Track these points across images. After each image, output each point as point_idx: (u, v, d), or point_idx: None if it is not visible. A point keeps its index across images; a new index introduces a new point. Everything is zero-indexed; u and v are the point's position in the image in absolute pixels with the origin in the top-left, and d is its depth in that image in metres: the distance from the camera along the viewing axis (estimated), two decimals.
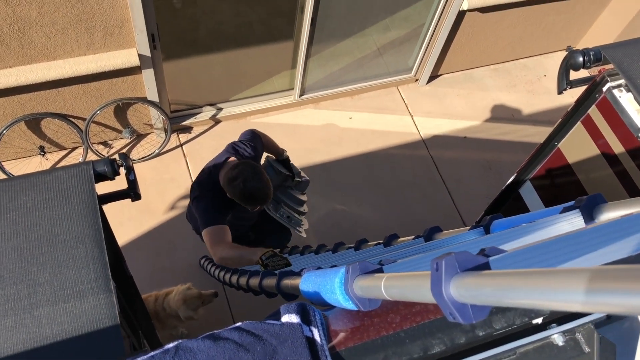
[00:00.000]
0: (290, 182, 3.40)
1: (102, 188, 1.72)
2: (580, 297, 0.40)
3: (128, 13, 3.56)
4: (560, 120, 2.24)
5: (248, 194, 2.60)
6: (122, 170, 1.72)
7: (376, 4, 4.49)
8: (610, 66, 1.89)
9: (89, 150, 4.31)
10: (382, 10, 4.62)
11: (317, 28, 4.34)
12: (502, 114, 5.31)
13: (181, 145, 4.68)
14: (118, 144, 4.56)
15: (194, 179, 2.97)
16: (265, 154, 3.29)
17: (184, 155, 4.65)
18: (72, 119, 4.15)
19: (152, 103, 4.26)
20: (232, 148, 2.95)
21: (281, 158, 3.37)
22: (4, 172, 4.14)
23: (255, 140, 3.09)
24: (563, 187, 2.30)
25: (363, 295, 0.85)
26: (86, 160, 4.33)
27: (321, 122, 5.02)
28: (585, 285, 0.40)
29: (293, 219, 3.38)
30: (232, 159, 2.87)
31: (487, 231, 1.22)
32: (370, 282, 0.79)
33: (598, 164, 2.10)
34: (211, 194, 2.79)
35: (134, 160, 4.50)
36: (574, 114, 2.15)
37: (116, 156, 1.65)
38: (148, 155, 4.53)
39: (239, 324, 0.92)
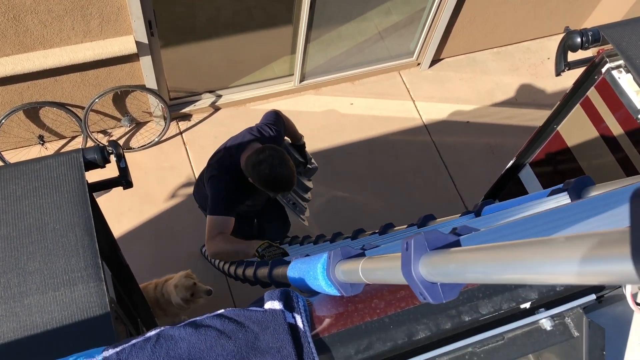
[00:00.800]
0: (301, 168, 3.37)
1: (97, 176, 1.71)
2: (542, 268, 0.39)
3: None
4: (559, 102, 2.21)
5: (273, 180, 2.54)
6: (113, 158, 1.70)
7: None
8: (609, 47, 1.85)
9: (88, 138, 4.30)
10: None
11: (316, 12, 4.30)
12: (505, 97, 5.26)
13: (181, 133, 4.67)
14: (117, 132, 4.55)
15: (208, 164, 2.93)
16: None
17: (184, 143, 4.63)
18: (71, 108, 4.13)
19: (150, 91, 4.24)
20: (258, 131, 2.90)
21: (298, 143, 3.32)
22: (4, 161, 4.14)
23: (279, 123, 3.04)
24: (563, 171, 2.27)
25: (345, 280, 0.83)
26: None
27: (322, 108, 4.99)
28: (544, 255, 0.38)
29: (298, 205, 3.36)
30: (256, 143, 2.82)
31: (478, 216, 1.20)
32: (349, 266, 0.77)
33: (598, 147, 2.07)
34: (229, 177, 2.73)
35: (133, 148, 4.49)
36: (572, 96, 2.12)
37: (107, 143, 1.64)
38: (148, 144, 4.52)
39: (221, 311, 0.91)
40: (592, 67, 1.99)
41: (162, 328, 0.90)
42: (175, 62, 4.39)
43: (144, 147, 4.52)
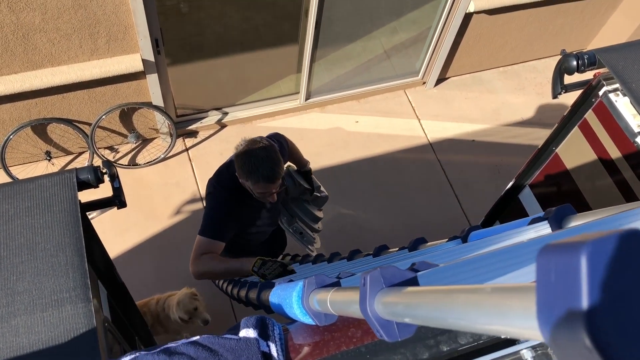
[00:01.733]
0: (308, 195, 3.22)
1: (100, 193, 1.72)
2: (467, 318, 0.38)
3: (131, 19, 3.58)
4: (557, 124, 2.20)
5: (251, 165, 2.34)
6: (107, 178, 1.71)
7: (381, 6, 4.47)
8: (605, 70, 1.85)
9: (94, 155, 4.33)
10: (388, 13, 4.60)
11: (321, 31, 4.33)
12: (511, 116, 5.25)
13: (187, 149, 4.69)
14: (124, 149, 4.58)
15: (208, 179, 2.78)
16: (287, 163, 3.10)
17: (190, 160, 4.66)
18: (78, 124, 4.18)
19: (157, 108, 4.27)
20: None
21: (303, 169, 3.17)
22: (11, 177, 4.18)
23: (281, 140, 2.88)
24: (562, 194, 2.25)
25: (319, 309, 0.83)
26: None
27: (327, 126, 5.00)
28: (469, 304, 0.38)
29: (306, 235, 3.22)
30: None
31: (464, 242, 1.19)
32: (321, 296, 0.77)
33: (596, 170, 2.06)
34: (227, 194, 2.58)
35: (139, 164, 4.52)
36: (570, 118, 2.11)
37: (100, 163, 1.65)
38: (153, 160, 4.54)
39: (196, 337, 0.90)
40: (590, 89, 1.99)
41: (137, 354, 0.90)
42: (182, 79, 4.44)
43: (149, 163, 4.55)
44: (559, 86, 1.95)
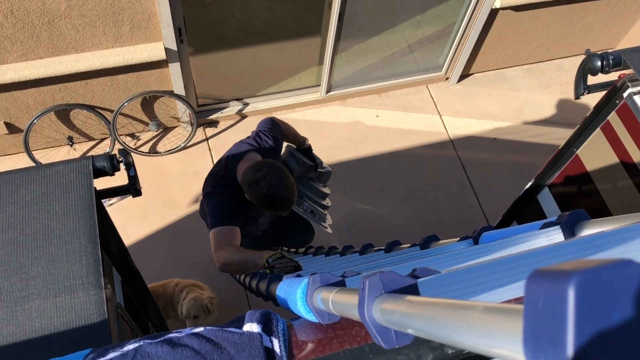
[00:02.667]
0: (312, 173, 3.21)
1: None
2: (457, 335, 0.37)
3: (155, 7, 3.59)
4: (578, 125, 2.16)
5: (270, 201, 2.38)
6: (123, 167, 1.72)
7: (405, 0, 4.43)
8: (630, 71, 1.80)
9: (116, 141, 4.38)
10: (412, 6, 4.55)
11: (344, 24, 4.30)
12: (534, 115, 5.17)
13: (207, 139, 4.72)
14: (145, 137, 4.62)
15: (204, 180, 2.77)
16: (285, 143, 3.09)
17: (209, 150, 4.68)
18: (100, 111, 4.22)
19: (178, 97, 4.30)
20: (254, 139, 2.73)
21: (303, 147, 3.16)
22: (34, 160, 4.25)
23: (276, 130, 2.86)
24: (581, 195, 2.22)
25: (322, 308, 0.82)
26: (112, 152, 4.41)
27: (347, 119, 4.98)
28: (460, 322, 0.37)
29: (317, 213, 3.19)
30: (252, 153, 2.64)
31: (476, 242, 1.18)
32: (324, 295, 0.77)
33: (617, 173, 2.02)
34: (226, 191, 2.58)
35: (160, 152, 4.56)
36: (593, 119, 2.07)
37: (116, 152, 1.66)
38: (174, 149, 4.58)
39: (200, 329, 0.91)
40: (614, 91, 1.94)
41: (142, 343, 0.90)
42: (204, 69, 4.45)
43: (170, 151, 4.58)
44: (581, 87, 1.92)
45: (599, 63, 1.81)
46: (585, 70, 1.87)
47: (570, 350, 0.28)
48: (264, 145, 2.71)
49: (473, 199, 4.74)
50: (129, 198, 4.70)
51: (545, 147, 4.95)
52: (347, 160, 4.77)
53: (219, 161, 2.71)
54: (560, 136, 5.01)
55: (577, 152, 2.19)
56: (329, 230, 3.28)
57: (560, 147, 2.30)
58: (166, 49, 3.87)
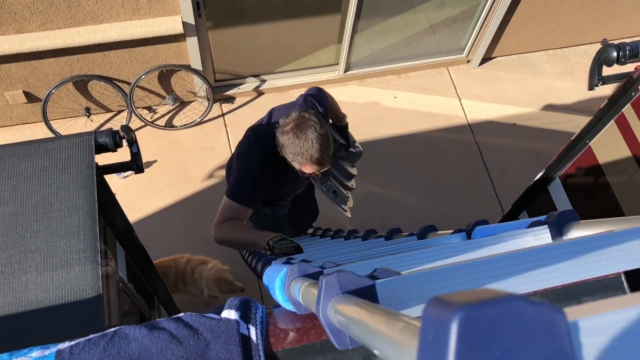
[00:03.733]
0: (343, 152, 3.05)
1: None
2: (379, 344, 0.37)
3: None
4: (592, 117, 2.10)
5: (298, 146, 2.15)
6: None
7: None
8: None
9: (132, 114, 4.40)
10: None
11: (365, 2, 4.23)
12: (556, 102, 5.07)
13: (223, 115, 4.71)
14: (161, 110, 4.64)
15: (243, 136, 2.55)
16: None
17: (225, 125, 4.68)
18: (118, 83, 4.24)
19: (195, 71, 4.29)
20: (304, 101, 2.52)
21: (340, 124, 2.98)
22: (52, 130, 4.29)
23: (324, 99, 2.65)
24: (592, 189, 2.17)
25: (298, 299, 0.82)
26: (129, 124, 4.44)
27: (365, 99, 4.93)
28: (382, 331, 0.36)
29: (340, 194, 3.03)
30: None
31: (469, 236, 1.16)
32: (299, 286, 0.76)
33: (629, 166, 1.97)
34: (261, 156, 2.36)
35: (176, 126, 4.57)
36: (607, 111, 2.01)
37: (119, 128, 1.66)
38: (190, 123, 4.59)
39: (180, 314, 0.91)
40: (630, 83, 1.89)
41: (122, 326, 0.91)
42: (222, 44, 4.43)
43: (186, 126, 4.59)
44: (596, 77, 1.86)
45: (615, 54, 1.76)
46: (600, 60, 1.82)
47: None
48: (312, 108, 2.49)
49: (489, 185, 4.69)
50: (145, 171, 4.74)
51: (564, 135, 4.85)
52: (363, 141, 4.72)
53: (262, 121, 2.49)
54: (580, 124, 4.89)
55: (590, 143, 2.14)
56: (348, 214, 3.12)
57: (572, 138, 2.25)
58: (184, 23, 3.86)
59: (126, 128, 1.69)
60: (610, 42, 1.85)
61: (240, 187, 2.37)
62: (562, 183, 2.32)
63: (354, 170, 3.13)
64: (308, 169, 2.23)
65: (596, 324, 0.32)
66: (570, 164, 2.26)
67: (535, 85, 5.13)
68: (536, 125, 4.95)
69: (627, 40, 1.83)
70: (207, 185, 4.46)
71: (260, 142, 2.39)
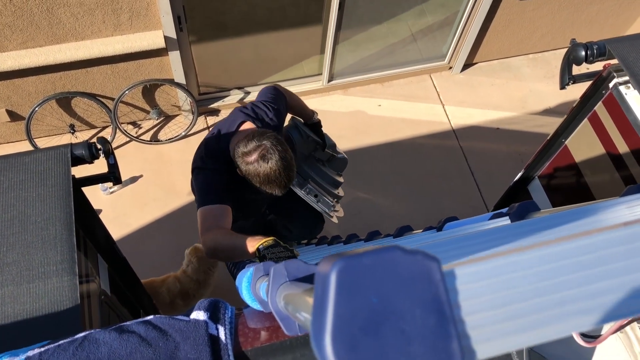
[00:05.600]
0: (320, 152, 2.92)
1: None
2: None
3: None
4: (566, 115, 2.14)
5: (265, 176, 2.09)
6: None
7: None
8: (615, 61, 1.78)
9: (117, 129, 4.40)
10: None
11: (345, 13, 4.28)
12: (538, 105, 5.12)
13: (208, 127, 4.73)
14: (146, 125, 4.64)
15: (195, 153, 2.46)
16: (289, 115, 2.78)
17: None
18: (101, 99, 4.24)
19: (178, 85, 4.31)
20: (252, 109, 2.41)
21: (310, 122, 2.85)
22: (36, 148, 4.28)
23: (279, 102, 2.52)
24: (570, 187, 2.20)
25: (264, 297, 0.83)
26: (114, 140, 4.44)
27: (349, 108, 4.97)
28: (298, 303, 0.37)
29: (321, 199, 2.89)
30: (248, 124, 2.34)
31: (439, 231, 1.18)
32: (260, 283, 0.77)
33: (604, 164, 2.00)
34: (216, 166, 2.29)
35: (161, 141, 4.58)
36: (580, 110, 2.05)
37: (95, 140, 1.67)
38: (175, 137, 4.59)
39: (150, 317, 0.92)
40: (600, 81, 1.92)
41: (92, 331, 0.91)
42: (206, 57, 4.45)
43: (171, 140, 4.60)
44: (566, 76, 1.89)
45: (583, 53, 1.79)
46: (569, 60, 1.85)
47: (328, 332, 0.29)
48: (262, 117, 2.41)
49: (475, 189, 4.72)
50: (130, 185, 4.71)
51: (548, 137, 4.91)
52: (348, 149, 4.75)
53: (210, 134, 2.41)
54: None
55: (566, 142, 2.17)
56: (334, 219, 3.01)
57: (548, 138, 2.28)
58: (165, 37, 3.88)
59: (102, 140, 1.70)
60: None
61: (207, 191, 2.27)
62: (541, 182, 2.34)
63: (339, 178, 3.05)
64: (267, 192, 2.20)
65: (471, 272, 0.34)
66: (548, 163, 2.28)
67: (517, 90, 5.19)
68: (519, 128, 5.00)
69: None
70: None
71: (210, 155, 2.33)
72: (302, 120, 2.85)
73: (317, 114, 2.88)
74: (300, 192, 2.79)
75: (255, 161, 2.08)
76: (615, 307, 0.37)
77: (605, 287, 0.38)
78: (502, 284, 0.35)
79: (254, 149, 2.08)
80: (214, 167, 2.30)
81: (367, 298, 0.29)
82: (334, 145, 2.99)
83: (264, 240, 1.99)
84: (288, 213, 3.20)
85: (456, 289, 0.34)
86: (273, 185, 2.13)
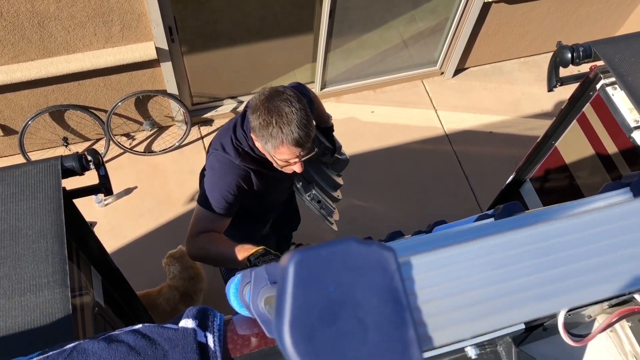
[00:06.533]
0: (328, 157, 2.79)
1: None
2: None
3: (144, 6, 3.61)
4: (555, 118, 2.15)
5: (280, 127, 1.84)
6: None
7: None
8: (601, 62, 1.79)
9: (110, 142, 4.40)
10: (405, 2, 4.54)
11: (336, 20, 4.30)
12: (530, 108, 5.15)
13: (202, 137, 4.73)
14: (140, 136, 4.65)
15: (209, 145, 2.27)
16: None
17: (204, 148, 4.69)
18: (94, 111, 4.25)
19: (171, 96, 4.31)
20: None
21: (324, 126, 2.72)
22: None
23: (305, 91, 2.34)
24: (562, 189, 2.21)
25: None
26: (107, 152, 4.44)
27: (342, 115, 4.98)
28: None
29: (324, 205, 2.80)
30: None
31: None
32: (247, 289, 0.77)
33: (594, 165, 2.01)
34: (233, 158, 2.09)
35: (155, 152, 4.58)
36: (569, 112, 2.06)
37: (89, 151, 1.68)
38: (169, 148, 4.60)
39: (138, 326, 0.92)
40: (587, 83, 1.94)
41: (81, 341, 0.91)
42: (198, 67, 4.46)
43: (165, 150, 4.60)
44: (554, 79, 1.91)
45: (569, 55, 1.81)
46: (556, 62, 1.87)
47: (286, 322, 0.30)
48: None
49: (469, 193, 4.73)
50: (125, 197, 4.70)
51: None
52: None
53: (232, 124, 2.19)
54: None
55: (556, 144, 2.18)
56: (335, 227, 2.90)
57: (538, 140, 2.29)
58: (157, 49, 3.89)
59: (92, 151, 1.70)
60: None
61: (217, 194, 2.07)
62: (533, 185, 2.36)
63: (339, 180, 2.93)
64: (286, 152, 1.92)
65: (427, 261, 0.35)
66: (539, 165, 2.30)
67: (509, 93, 5.22)
68: (513, 132, 5.02)
69: None
70: (189, 208, 4.46)
71: (228, 147, 2.11)
72: (316, 124, 2.57)
73: (331, 117, 2.77)
74: (304, 198, 2.68)
75: (262, 103, 1.87)
76: (568, 293, 0.37)
77: (557, 274, 0.39)
78: (457, 272, 0.36)
79: (264, 92, 1.89)
80: (230, 157, 2.08)
81: (324, 288, 0.29)
82: (340, 148, 2.89)
83: (254, 249, 1.91)
84: (284, 216, 3.04)
85: (412, 278, 0.35)
86: (283, 136, 1.85)
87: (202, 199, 2.13)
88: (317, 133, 2.67)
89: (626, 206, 0.49)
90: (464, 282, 0.37)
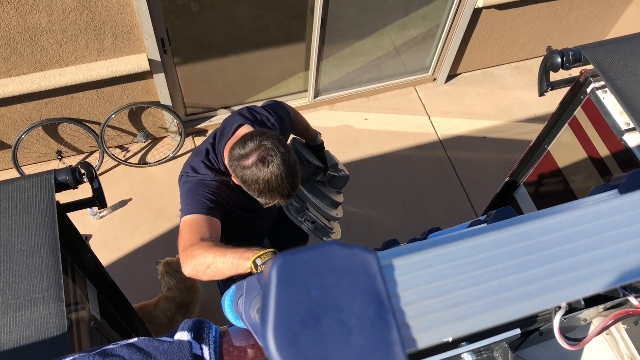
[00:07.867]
0: (322, 176, 2.67)
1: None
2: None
3: (136, 19, 3.62)
4: (547, 121, 2.16)
5: (265, 183, 1.78)
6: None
7: (388, 3, 4.44)
8: (591, 66, 1.81)
9: (104, 154, 4.39)
10: (395, 9, 4.56)
11: (328, 29, 4.32)
12: (523, 113, 5.17)
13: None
14: (134, 148, 4.64)
15: (179, 176, 2.18)
16: (291, 136, 2.52)
17: None
18: (88, 124, 4.24)
19: (165, 107, 4.31)
20: (250, 112, 2.11)
21: (313, 143, 2.62)
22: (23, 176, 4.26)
23: (281, 111, 2.25)
24: (555, 193, 2.22)
25: None
26: (101, 164, 4.43)
27: (336, 123, 4.99)
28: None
29: (319, 225, 2.60)
30: (246, 127, 2.02)
31: None
32: (242, 300, 0.77)
33: (587, 169, 2.02)
34: (208, 175, 2.00)
35: (149, 163, 4.58)
36: (560, 115, 2.07)
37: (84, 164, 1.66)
38: (163, 159, 4.59)
39: (133, 339, 0.91)
40: (577, 86, 1.95)
41: (76, 355, 0.91)
42: (191, 78, 4.47)
43: (159, 162, 4.60)
44: (544, 83, 1.92)
45: (559, 59, 1.82)
46: (546, 67, 1.88)
47: (270, 326, 0.30)
48: (262, 121, 2.11)
49: (464, 198, 4.74)
50: (120, 209, 4.68)
51: None
52: None
53: (203, 142, 2.13)
54: None
55: (549, 148, 2.19)
56: None
57: (531, 144, 2.30)
58: (150, 60, 3.89)
59: (85, 164, 1.70)
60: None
61: (192, 198, 1.95)
62: (527, 189, 2.36)
63: (339, 198, 2.78)
64: (272, 201, 1.91)
65: (409, 262, 0.35)
66: (532, 169, 2.31)
67: (502, 98, 5.24)
68: (506, 136, 5.04)
69: None
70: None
71: (201, 161, 2.05)
72: (303, 141, 2.64)
73: (320, 134, 2.66)
74: (296, 219, 2.53)
75: (253, 164, 1.78)
76: (550, 292, 0.38)
77: (539, 273, 0.39)
78: (439, 273, 0.37)
79: (253, 150, 1.78)
80: (205, 174, 2.01)
81: (306, 292, 0.30)
82: (336, 165, 2.76)
83: (261, 252, 1.66)
84: (272, 231, 2.98)
85: (395, 280, 0.35)
86: (274, 194, 1.82)
87: (183, 209, 2.00)
88: (306, 152, 2.57)
89: (603, 204, 0.50)
90: (447, 283, 0.37)
